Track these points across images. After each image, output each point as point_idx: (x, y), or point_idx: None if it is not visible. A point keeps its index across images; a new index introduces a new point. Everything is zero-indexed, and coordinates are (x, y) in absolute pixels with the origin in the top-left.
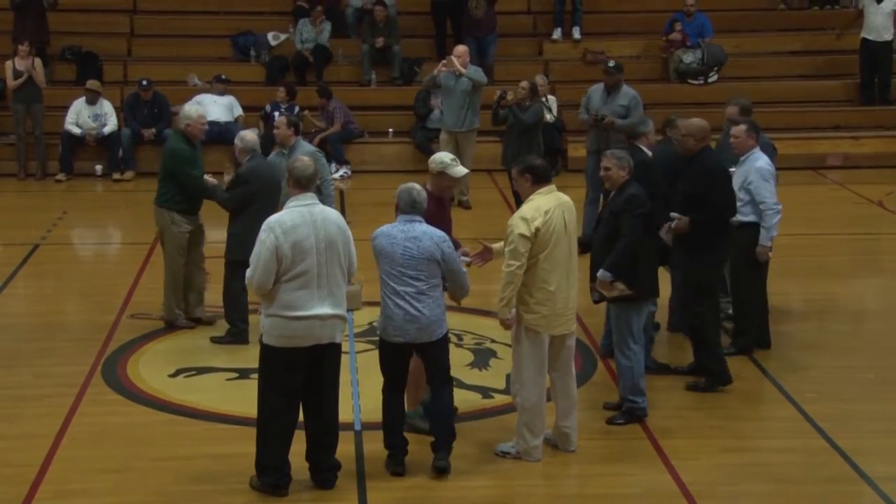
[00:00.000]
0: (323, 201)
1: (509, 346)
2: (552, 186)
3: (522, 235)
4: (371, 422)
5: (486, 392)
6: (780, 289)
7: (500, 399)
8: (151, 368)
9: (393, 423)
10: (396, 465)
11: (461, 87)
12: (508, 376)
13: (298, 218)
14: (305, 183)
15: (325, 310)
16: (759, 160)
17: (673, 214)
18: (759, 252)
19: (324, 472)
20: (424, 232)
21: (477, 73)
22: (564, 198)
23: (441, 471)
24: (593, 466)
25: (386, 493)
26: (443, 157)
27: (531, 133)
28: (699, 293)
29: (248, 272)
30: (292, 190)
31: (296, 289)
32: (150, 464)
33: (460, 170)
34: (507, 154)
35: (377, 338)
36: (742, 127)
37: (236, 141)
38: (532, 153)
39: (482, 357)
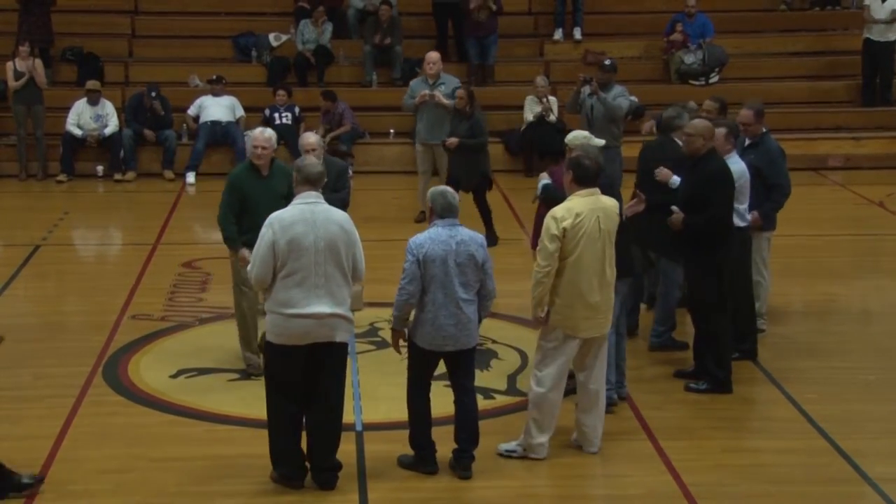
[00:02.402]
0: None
1: (510, 346)
2: (594, 190)
3: (551, 234)
4: (372, 422)
5: (487, 393)
6: (781, 290)
7: (501, 400)
8: (152, 369)
9: (426, 422)
10: (432, 464)
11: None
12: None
13: (298, 215)
14: (314, 180)
15: (322, 308)
16: (736, 164)
17: (673, 208)
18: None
19: (325, 471)
20: (470, 236)
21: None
22: (606, 203)
23: (465, 479)
24: (595, 467)
25: (387, 493)
26: (578, 133)
27: (473, 149)
28: (708, 299)
29: (249, 267)
30: (300, 187)
31: (291, 286)
32: (151, 465)
33: (599, 140)
34: (451, 169)
35: (378, 338)
36: (721, 130)
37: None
38: (469, 172)
39: (483, 358)
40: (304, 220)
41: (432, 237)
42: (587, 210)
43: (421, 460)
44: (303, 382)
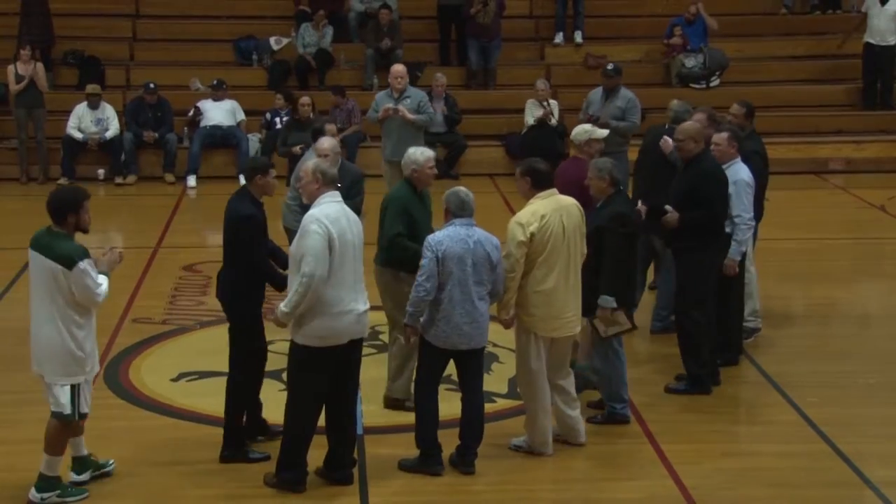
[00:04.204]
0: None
1: (512, 350)
2: (553, 191)
3: (518, 241)
4: (373, 426)
5: (488, 396)
6: (782, 293)
7: (502, 403)
8: (153, 372)
9: (434, 422)
10: (438, 464)
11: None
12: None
13: (340, 211)
14: (331, 181)
15: (360, 305)
16: (740, 172)
17: (667, 207)
18: (726, 265)
19: (345, 468)
20: (486, 236)
21: (424, 114)
22: (566, 201)
23: (468, 475)
24: (595, 470)
25: (388, 497)
26: (583, 127)
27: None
28: (692, 297)
29: (308, 269)
30: (323, 188)
31: (336, 284)
32: (152, 468)
33: (602, 132)
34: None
35: (379, 342)
36: (724, 135)
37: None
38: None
39: (485, 361)
40: (344, 215)
41: (450, 235)
42: (550, 210)
43: (427, 461)
44: (329, 384)
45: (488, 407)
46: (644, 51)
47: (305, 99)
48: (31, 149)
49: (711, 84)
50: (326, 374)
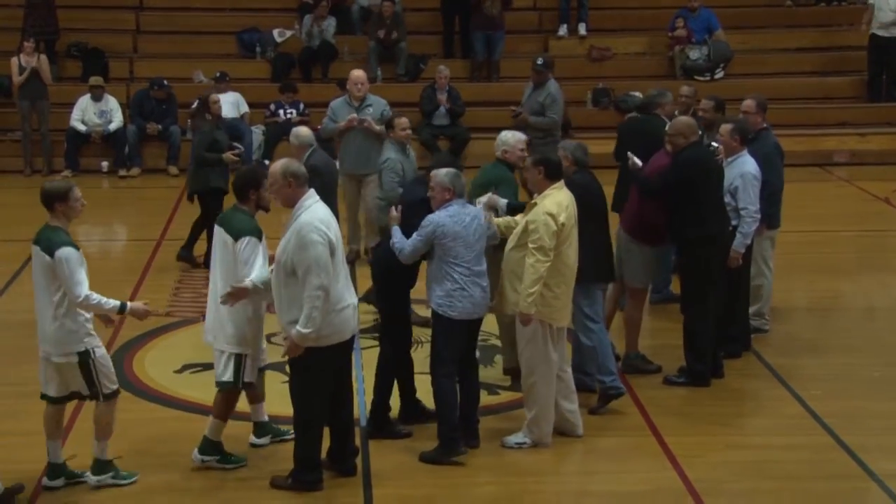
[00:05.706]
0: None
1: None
2: (562, 182)
3: (553, 231)
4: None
5: (491, 388)
6: (786, 286)
7: (505, 395)
8: (157, 365)
9: (456, 405)
10: (460, 446)
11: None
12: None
13: (327, 211)
14: (305, 181)
15: (354, 299)
16: (747, 165)
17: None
18: (731, 257)
19: (349, 457)
20: (477, 212)
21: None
22: (568, 192)
23: (475, 448)
24: (599, 463)
25: (392, 489)
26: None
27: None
28: (694, 294)
29: (318, 281)
30: (302, 189)
31: (335, 281)
32: (157, 460)
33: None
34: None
35: (376, 334)
36: (728, 126)
37: (293, 139)
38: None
39: (486, 354)
40: (331, 216)
41: (449, 215)
42: (569, 200)
43: (449, 448)
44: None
45: (492, 399)
46: (648, 43)
47: (215, 96)
48: (35, 141)
49: (716, 76)
50: (333, 370)
